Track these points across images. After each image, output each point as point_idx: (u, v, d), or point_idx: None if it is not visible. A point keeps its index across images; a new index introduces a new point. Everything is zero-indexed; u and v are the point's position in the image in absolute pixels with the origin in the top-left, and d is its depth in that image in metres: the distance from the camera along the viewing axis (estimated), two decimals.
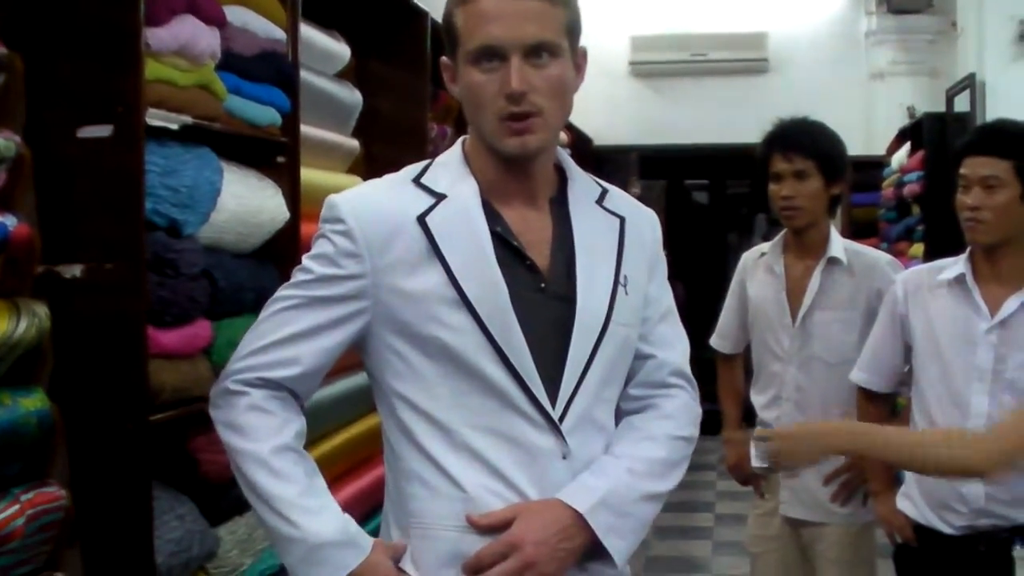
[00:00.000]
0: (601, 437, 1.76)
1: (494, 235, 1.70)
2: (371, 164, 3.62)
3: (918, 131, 6.92)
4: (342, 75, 3.51)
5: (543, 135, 1.69)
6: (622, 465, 1.73)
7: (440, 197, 1.71)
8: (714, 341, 3.55)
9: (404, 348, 1.69)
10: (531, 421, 1.68)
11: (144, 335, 2.09)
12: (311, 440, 1.85)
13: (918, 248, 6.49)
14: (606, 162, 8.46)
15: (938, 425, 2.64)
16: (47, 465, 1.95)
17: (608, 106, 8.37)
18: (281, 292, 1.73)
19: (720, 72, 8.67)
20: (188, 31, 2.24)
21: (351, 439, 3.26)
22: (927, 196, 6.46)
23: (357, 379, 3.06)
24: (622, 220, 1.80)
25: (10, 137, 1.85)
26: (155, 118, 2.12)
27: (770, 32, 8.65)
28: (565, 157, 1.83)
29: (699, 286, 9.17)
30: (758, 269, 3.30)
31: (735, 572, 5.42)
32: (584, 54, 1.75)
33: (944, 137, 6.50)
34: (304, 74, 2.92)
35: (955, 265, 2.70)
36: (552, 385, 1.68)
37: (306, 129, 2.94)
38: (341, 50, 3.44)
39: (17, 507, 1.83)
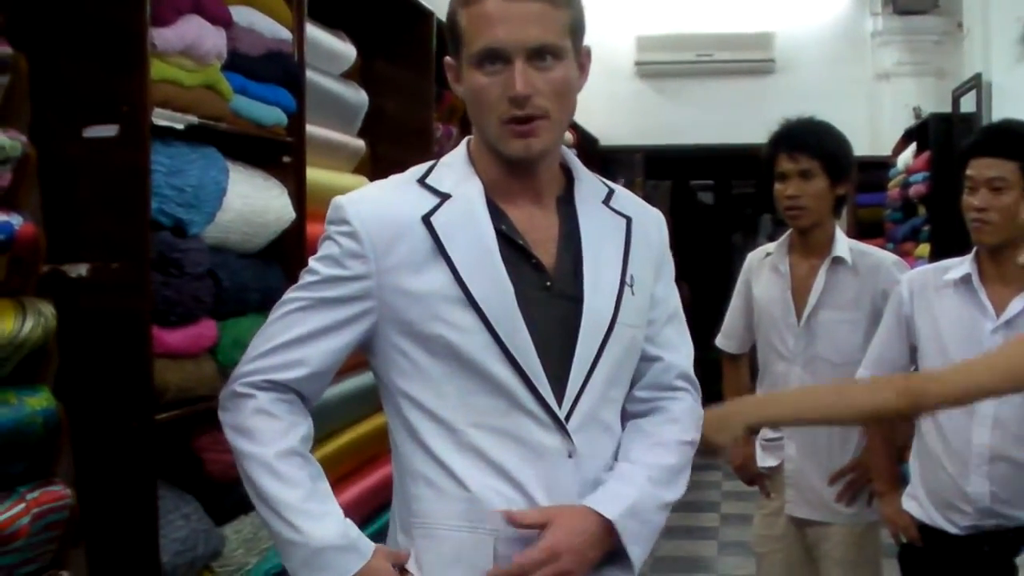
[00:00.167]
0: (607, 437, 1.76)
1: (499, 234, 1.69)
2: (377, 164, 3.61)
3: (924, 131, 6.91)
4: (348, 75, 3.51)
5: (547, 137, 1.69)
6: (644, 474, 1.73)
7: (445, 197, 1.71)
8: (720, 341, 3.54)
9: (410, 348, 1.69)
10: (537, 420, 1.67)
11: (149, 334, 2.10)
12: (318, 439, 1.86)
13: (924, 248, 6.48)
14: (611, 162, 8.47)
15: (943, 426, 2.65)
16: (52, 464, 1.95)
17: (613, 106, 8.37)
18: (288, 295, 1.74)
19: (726, 72, 8.65)
20: (194, 31, 2.25)
21: (358, 438, 3.27)
22: (933, 197, 6.45)
23: (364, 378, 3.06)
24: (629, 220, 1.80)
25: (16, 136, 1.85)
26: (161, 118, 2.13)
27: (776, 32, 8.64)
28: (571, 157, 1.83)
29: (704, 286, 9.16)
30: (763, 269, 3.30)
31: (741, 572, 5.41)
32: (588, 54, 1.74)
33: (950, 138, 6.49)
34: (310, 74, 2.92)
35: (961, 265, 2.69)
36: (558, 384, 1.68)
37: (312, 129, 2.94)
38: (347, 50, 3.44)
39: (22, 506, 1.83)
